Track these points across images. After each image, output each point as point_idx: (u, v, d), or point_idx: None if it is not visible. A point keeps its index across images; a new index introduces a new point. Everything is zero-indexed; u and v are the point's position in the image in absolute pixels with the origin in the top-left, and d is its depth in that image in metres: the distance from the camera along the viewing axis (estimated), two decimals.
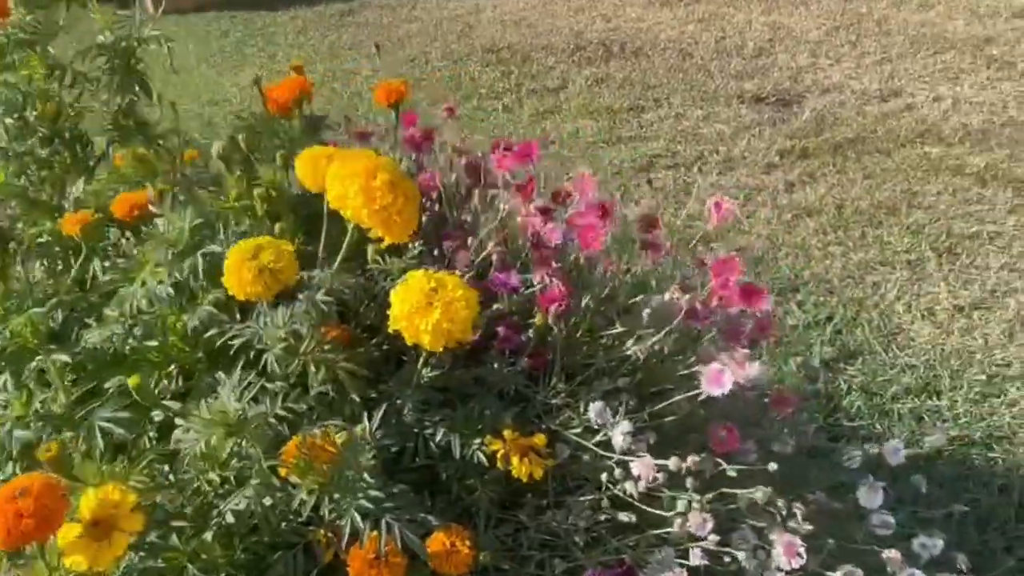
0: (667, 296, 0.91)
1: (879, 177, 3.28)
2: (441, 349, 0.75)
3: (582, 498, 0.87)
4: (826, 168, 3.40)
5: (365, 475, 0.72)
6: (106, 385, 0.84)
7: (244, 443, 0.74)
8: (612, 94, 4.33)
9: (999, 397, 2.16)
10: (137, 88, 1.18)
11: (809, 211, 3.08)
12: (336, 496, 0.72)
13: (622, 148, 3.69)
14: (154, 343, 0.87)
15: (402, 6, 6.73)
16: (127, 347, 0.86)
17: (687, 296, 0.89)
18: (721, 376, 0.84)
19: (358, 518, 0.70)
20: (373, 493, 0.72)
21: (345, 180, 0.74)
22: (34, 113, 1.17)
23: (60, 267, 0.99)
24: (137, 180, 1.14)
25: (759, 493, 0.81)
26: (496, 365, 0.92)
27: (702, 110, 4.04)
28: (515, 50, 5.19)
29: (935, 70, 4.29)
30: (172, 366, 0.88)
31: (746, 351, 0.87)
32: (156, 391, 0.86)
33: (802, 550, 0.82)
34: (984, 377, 2.22)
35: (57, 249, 1.09)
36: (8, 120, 1.05)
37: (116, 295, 0.86)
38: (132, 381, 0.73)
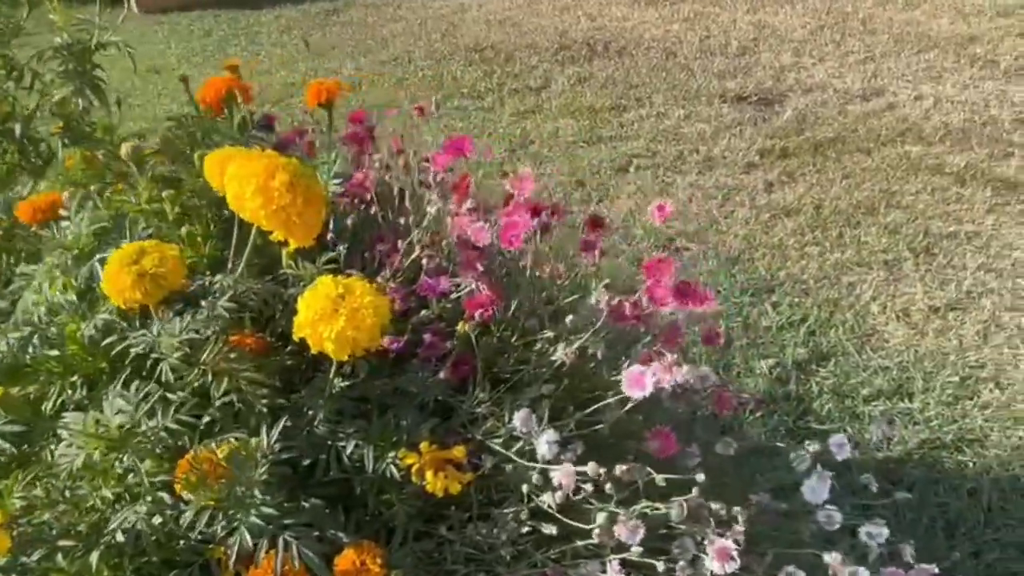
0: (594, 298, 0.87)
1: (858, 177, 3.26)
2: (346, 358, 0.72)
3: (507, 510, 0.84)
4: (806, 168, 3.37)
5: (256, 491, 0.69)
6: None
7: (126, 458, 0.71)
8: (594, 93, 4.30)
9: (972, 399, 2.13)
10: (89, 92, 1.14)
11: (787, 211, 3.05)
12: (230, 512, 0.68)
13: (602, 148, 3.67)
14: (54, 352, 0.83)
15: (387, 5, 6.70)
16: (27, 356, 0.83)
17: (609, 297, 0.86)
18: (642, 378, 0.81)
19: (247, 536, 0.67)
20: (266, 510, 0.69)
21: (243, 180, 0.71)
22: None
23: None
24: (84, 182, 1.11)
25: (685, 501, 0.78)
26: (419, 374, 0.89)
27: (684, 109, 4.01)
28: (499, 49, 5.16)
29: (918, 69, 4.27)
30: (75, 376, 0.84)
31: (675, 355, 0.83)
32: (60, 401, 0.82)
33: (735, 553, 0.78)
34: (957, 379, 2.19)
35: None
36: None
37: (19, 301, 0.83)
38: None
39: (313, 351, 0.72)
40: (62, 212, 0.89)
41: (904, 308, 2.49)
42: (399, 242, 0.96)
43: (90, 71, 1.05)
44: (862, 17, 5.23)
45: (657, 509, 0.79)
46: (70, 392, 0.83)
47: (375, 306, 0.72)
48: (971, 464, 1.94)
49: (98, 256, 0.81)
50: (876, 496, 1.22)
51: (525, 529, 0.83)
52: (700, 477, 0.81)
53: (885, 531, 1.01)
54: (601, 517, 0.77)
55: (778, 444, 1.34)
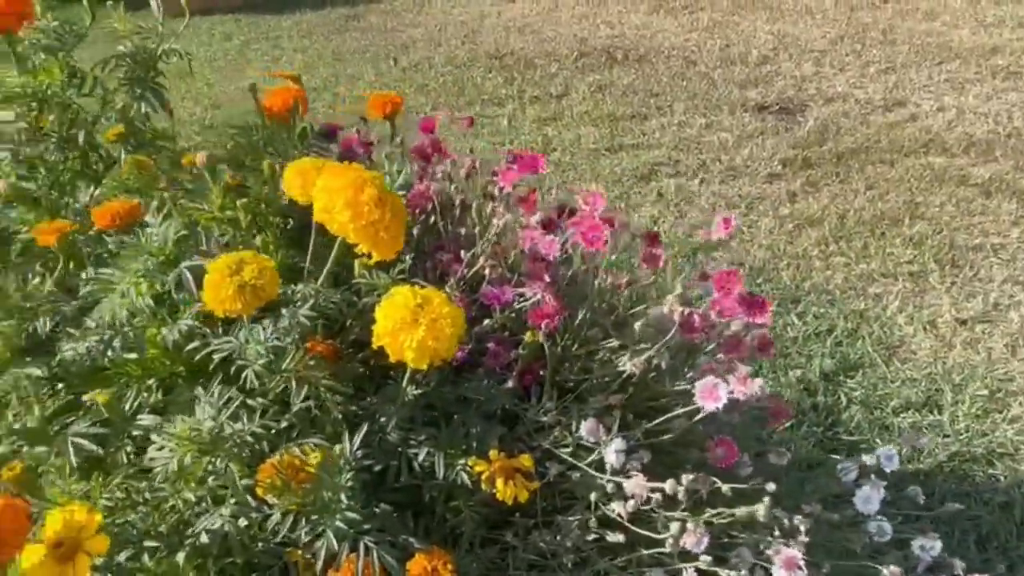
0: (665, 308, 0.89)
1: (882, 187, 3.26)
2: (425, 367, 0.73)
3: (571, 517, 0.85)
4: (829, 178, 3.38)
5: (342, 496, 0.70)
6: (84, 398, 0.83)
7: (218, 461, 0.72)
8: (615, 101, 4.32)
9: (1001, 412, 2.13)
10: (152, 98, 1.16)
11: (811, 221, 3.05)
12: (313, 517, 0.70)
13: (624, 156, 3.68)
14: (133, 356, 0.85)
15: (406, 11, 6.74)
16: (106, 359, 0.85)
17: (683, 308, 0.87)
18: (716, 391, 0.82)
19: (334, 540, 0.68)
20: (350, 515, 0.70)
21: (332, 193, 0.73)
22: (50, 117, 1.15)
23: (49, 275, 0.97)
24: (137, 187, 1.12)
25: (761, 508, 0.79)
26: (485, 382, 0.90)
27: (705, 118, 4.02)
28: (519, 56, 5.18)
29: (940, 80, 4.27)
30: (152, 379, 0.86)
31: (747, 367, 0.85)
32: (136, 404, 0.84)
33: (802, 563, 0.80)
34: (986, 392, 2.19)
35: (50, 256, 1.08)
36: (22, 124, 1.04)
37: (97, 306, 0.85)
38: (101, 398, 0.72)
39: (392, 359, 0.73)
40: (148, 219, 0.91)
41: (931, 320, 2.49)
42: (461, 252, 0.97)
43: (153, 78, 1.08)
44: (882, 28, 5.24)
45: (731, 516, 0.80)
46: (146, 395, 0.85)
47: (452, 317, 0.73)
48: (1002, 478, 1.94)
49: (185, 264, 0.83)
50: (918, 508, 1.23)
51: (590, 536, 0.84)
52: (771, 486, 0.82)
53: (938, 544, 1.02)
54: (675, 527, 0.78)
55: (829, 455, 1.36)
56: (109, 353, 0.83)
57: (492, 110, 4.31)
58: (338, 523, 0.69)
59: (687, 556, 0.82)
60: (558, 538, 0.84)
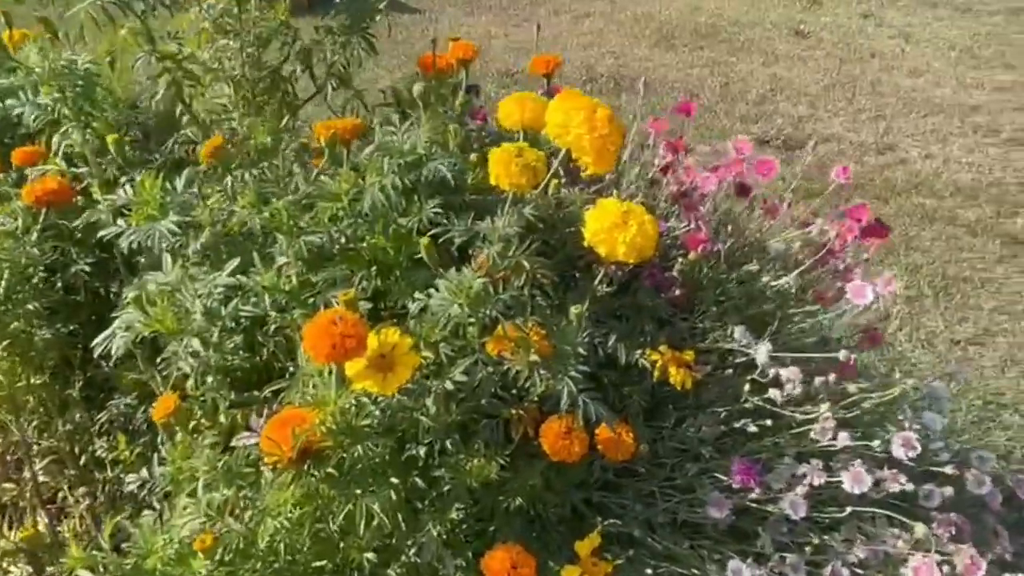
0: (814, 231, 1.08)
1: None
2: (633, 261, 0.88)
3: (718, 409, 1.01)
4: (828, 207, 3.61)
5: (580, 349, 0.84)
6: (313, 278, 0.95)
7: (489, 309, 0.85)
8: (626, 125, 4.53)
9: (994, 421, 2.34)
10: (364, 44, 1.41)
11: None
12: (542, 372, 0.83)
13: None
14: (363, 244, 0.97)
15: (415, 24, 6.93)
16: (336, 247, 0.97)
17: (829, 235, 1.05)
18: (864, 289, 1.00)
19: (572, 385, 0.82)
20: (582, 368, 0.84)
21: (569, 111, 0.87)
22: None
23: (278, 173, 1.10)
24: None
25: (898, 390, 0.96)
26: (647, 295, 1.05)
27: (711, 146, 4.26)
28: (528, 75, 5.39)
29: (926, 130, 4.59)
30: (372, 267, 0.98)
31: (891, 274, 1.04)
32: (360, 286, 0.97)
33: (917, 444, 0.97)
34: (980, 403, 2.40)
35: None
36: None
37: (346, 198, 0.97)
38: (424, 241, 0.85)
39: (603, 254, 0.87)
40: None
41: (928, 339, 2.72)
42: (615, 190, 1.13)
43: (366, 29, 1.25)
44: (871, 80, 5.57)
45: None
46: (366, 283, 0.97)
47: (652, 222, 0.88)
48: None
49: (431, 163, 0.97)
50: None
51: (737, 425, 1.00)
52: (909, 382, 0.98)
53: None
54: (824, 407, 0.94)
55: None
56: (341, 241, 0.96)
57: None
58: (572, 373, 0.83)
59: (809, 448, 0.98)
60: (703, 430, 0.99)
